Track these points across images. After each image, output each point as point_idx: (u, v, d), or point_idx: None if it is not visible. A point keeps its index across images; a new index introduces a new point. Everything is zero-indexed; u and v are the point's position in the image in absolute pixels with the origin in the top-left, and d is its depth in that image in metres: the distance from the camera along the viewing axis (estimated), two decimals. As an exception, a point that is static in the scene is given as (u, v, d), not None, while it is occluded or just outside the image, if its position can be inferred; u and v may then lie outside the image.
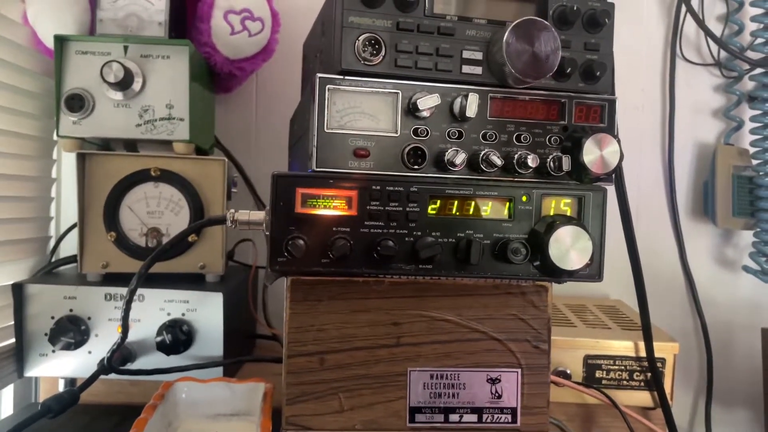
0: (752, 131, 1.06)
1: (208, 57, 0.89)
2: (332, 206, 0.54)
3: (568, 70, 0.58)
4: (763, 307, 1.12)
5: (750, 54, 1.06)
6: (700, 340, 1.11)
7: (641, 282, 0.81)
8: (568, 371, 0.85)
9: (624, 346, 0.85)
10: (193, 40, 0.86)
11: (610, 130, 0.60)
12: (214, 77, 0.96)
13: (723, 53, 1.10)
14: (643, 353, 0.84)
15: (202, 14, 0.88)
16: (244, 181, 1.02)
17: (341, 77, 0.55)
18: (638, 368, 0.85)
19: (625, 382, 0.85)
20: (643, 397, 0.85)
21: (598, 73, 0.59)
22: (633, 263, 0.80)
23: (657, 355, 0.83)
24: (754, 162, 1.06)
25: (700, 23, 1.06)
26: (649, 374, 0.84)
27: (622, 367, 0.85)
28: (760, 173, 1.04)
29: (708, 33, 1.06)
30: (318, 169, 0.55)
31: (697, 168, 1.13)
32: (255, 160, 1.07)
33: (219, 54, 0.89)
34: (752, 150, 1.07)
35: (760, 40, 1.03)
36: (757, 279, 1.04)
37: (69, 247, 0.96)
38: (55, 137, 0.96)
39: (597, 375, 0.85)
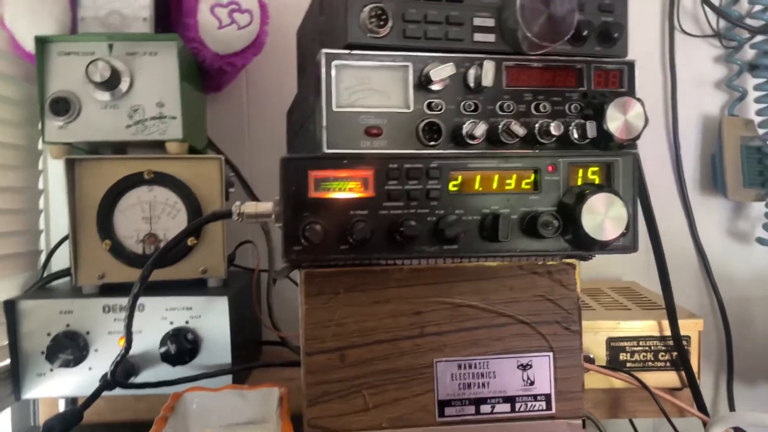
0: (757, 100, 1.03)
1: (196, 53, 0.86)
2: (348, 188, 0.50)
3: (584, 33, 0.55)
4: (779, 279, 1.10)
5: (749, 22, 1.04)
6: (717, 317, 1.08)
7: (662, 258, 0.78)
8: (591, 356, 0.81)
9: (647, 326, 0.82)
10: (180, 36, 0.82)
11: (632, 93, 0.57)
12: (204, 75, 0.92)
13: (722, 23, 1.08)
14: (666, 332, 0.81)
15: (187, 8, 0.84)
16: (240, 182, 0.98)
17: (348, 52, 0.52)
18: (663, 348, 0.82)
19: (650, 363, 0.82)
20: (670, 378, 0.82)
21: (615, 35, 0.56)
22: (653, 239, 0.77)
23: (681, 333, 0.80)
24: (761, 131, 1.04)
25: (697, -7, 1.04)
26: (674, 353, 0.81)
27: (647, 348, 0.82)
28: (768, 142, 1.02)
29: (706, 2, 1.04)
30: (329, 151, 0.51)
31: (703, 142, 1.11)
32: (249, 160, 1.04)
33: (208, 49, 0.85)
34: (758, 119, 1.05)
35: (758, 7, 1.01)
36: (773, 250, 1.02)
37: (61, 260, 0.92)
38: (40, 146, 0.93)
39: (621, 358, 0.82)
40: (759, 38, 1.03)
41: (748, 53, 1.08)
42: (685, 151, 1.10)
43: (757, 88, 1.04)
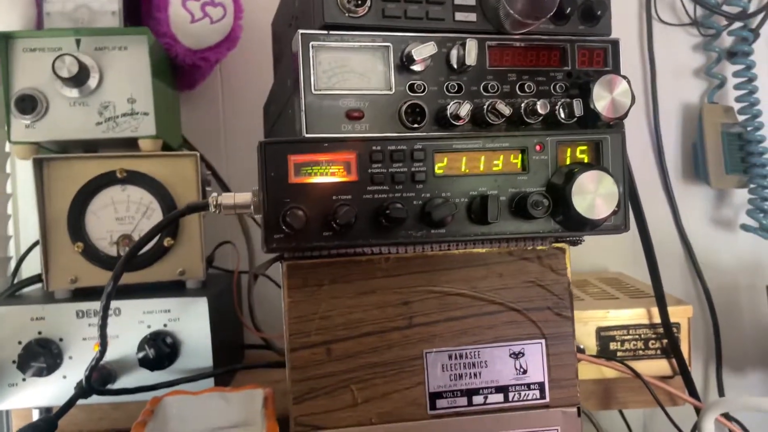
0: (736, 86, 1.04)
1: (168, 48, 0.83)
2: (330, 173, 0.48)
3: (567, 11, 0.54)
4: (764, 265, 1.10)
5: (726, 9, 1.04)
6: (703, 305, 1.08)
7: (649, 244, 0.77)
8: (582, 346, 0.80)
9: (636, 314, 0.81)
10: (151, 32, 0.80)
11: (616, 72, 0.56)
12: (177, 72, 0.90)
13: (699, 11, 1.08)
14: (656, 320, 0.80)
15: (158, 2, 0.82)
16: (217, 180, 0.96)
17: (325, 32, 0.50)
18: (653, 336, 0.81)
19: (641, 352, 0.81)
20: (661, 366, 0.81)
21: (598, 13, 0.55)
22: (639, 224, 0.75)
23: (671, 320, 0.79)
24: (741, 118, 1.04)
25: (674, -19, 1.04)
26: (664, 341, 0.80)
27: (637, 336, 0.81)
28: (749, 128, 1.02)
29: (682, -10, 1.04)
30: (309, 135, 0.49)
31: (684, 130, 1.10)
32: (226, 158, 1.01)
33: (180, 44, 0.83)
34: (738, 106, 1.05)
35: (735, -6, 1.02)
36: (757, 236, 1.02)
37: (32, 267, 0.88)
38: (7, 148, 0.89)
39: (612, 347, 0.81)
40: (736, 25, 1.04)
41: (726, 40, 1.08)
42: (667, 140, 1.10)
43: (736, 74, 1.04)
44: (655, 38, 1.09)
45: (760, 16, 1.04)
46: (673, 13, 1.10)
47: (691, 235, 1.09)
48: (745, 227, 1.05)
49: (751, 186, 1.02)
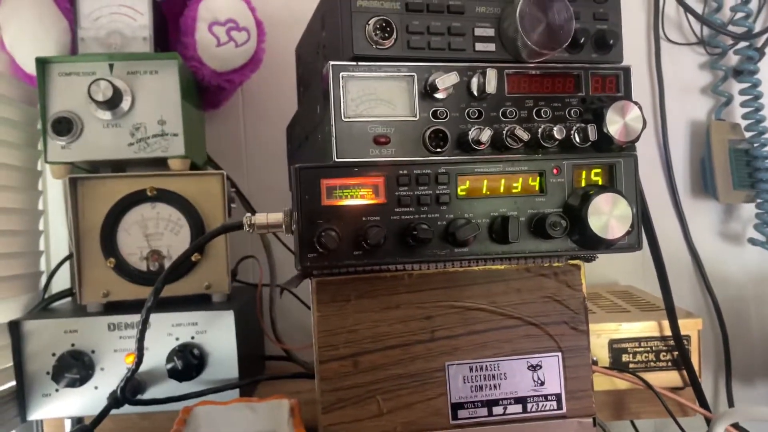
0: (742, 104, 1.06)
1: (195, 71, 0.87)
2: (359, 195, 0.51)
3: (581, 41, 0.57)
4: (772, 278, 1.12)
5: (732, 29, 1.07)
6: (713, 318, 1.10)
7: (660, 259, 0.79)
8: (595, 358, 0.82)
9: (647, 327, 0.83)
10: (179, 55, 0.83)
11: (628, 97, 0.59)
12: (202, 92, 0.94)
13: (705, 31, 1.11)
14: (666, 332, 0.82)
15: (185, 28, 0.85)
16: (240, 198, 0.99)
17: (354, 63, 0.53)
18: (664, 348, 0.83)
19: (652, 363, 0.83)
20: (672, 377, 0.84)
21: (611, 42, 0.58)
22: (650, 239, 0.78)
23: (681, 332, 0.81)
24: (748, 134, 1.07)
25: (681, 2, 1.06)
26: (675, 353, 0.82)
27: (648, 348, 0.83)
28: (755, 145, 1.04)
29: (689, 10, 1.06)
30: (339, 160, 0.52)
31: (692, 146, 1.13)
32: (247, 176, 1.04)
33: (206, 67, 0.86)
34: (744, 123, 1.07)
35: (740, 14, 1.05)
36: (765, 249, 1.04)
37: (61, 281, 0.92)
38: (39, 167, 0.93)
39: (624, 359, 0.83)
40: (742, 44, 1.06)
41: (733, 59, 1.11)
42: (675, 156, 1.12)
43: (742, 92, 1.06)
44: (663, 57, 1.12)
45: (765, 36, 1.06)
46: (680, 32, 1.13)
47: (700, 249, 1.11)
48: (752, 241, 1.07)
49: (758, 201, 1.05)
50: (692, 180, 1.13)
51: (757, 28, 1.08)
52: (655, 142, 1.12)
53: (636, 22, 1.12)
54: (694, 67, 1.14)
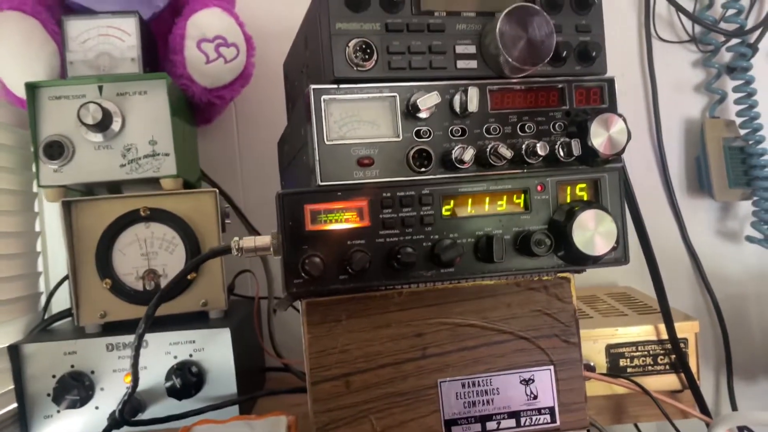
0: (736, 101, 1.06)
1: (185, 89, 0.87)
2: (344, 219, 0.52)
3: (563, 54, 0.57)
4: (771, 275, 1.12)
5: (723, 26, 1.06)
6: (712, 316, 1.09)
7: (655, 266, 0.79)
8: (592, 363, 0.82)
9: (644, 331, 0.83)
10: (169, 73, 0.84)
11: (613, 109, 0.59)
12: (194, 109, 0.94)
13: (697, 28, 1.10)
14: (664, 336, 0.82)
15: (174, 46, 0.85)
16: (236, 212, 1.00)
17: (335, 86, 0.53)
18: (661, 351, 0.83)
19: (650, 368, 0.83)
20: (670, 381, 0.84)
21: (593, 54, 0.58)
22: (644, 247, 0.78)
23: (678, 335, 0.81)
24: (742, 132, 1.06)
25: (671, 0, 1.06)
26: (673, 356, 0.82)
27: (645, 353, 0.83)
28: (750, 142, 1.04)
29: (680, 9, 1.06)
30: (323, 183, 0.52)
31: (687, 145, 1.13)
32: (243, 190, 1.05)
33: (196, 84, 0.87)
34: (739, 120, 1.07)
35: (731, 11, 1.04)
36: (762, 247, 1.04)
37: (61, 301, 0.92)
38: (35, 189, 0.93)
39: (621, 364, 0.83)
40: (734, 41, 1.06)
41: (725, 56, 1.11)
42: (670, 154, 1.12)
43: (735, 89, 1.06)
44: (655, 55, 1.11)
45: (757, 32, 1.06)
46: (671, 30, 1.13)
47: (697, 248, 1.11)
48: (749, 238, 1.07)
49: (755, 198, 1.04)
50: (688, 178, 1.13)
51: (749, 24, 1.07)
52: (650, 141, 1.12)
53: (627, 22, 1.12)
54: (686, 65, 1.13)
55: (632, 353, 0.83)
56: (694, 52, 1.13)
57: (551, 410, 0.59)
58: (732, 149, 1.06)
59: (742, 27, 1.04)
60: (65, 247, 0.78)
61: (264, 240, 0.56)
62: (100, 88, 0.79)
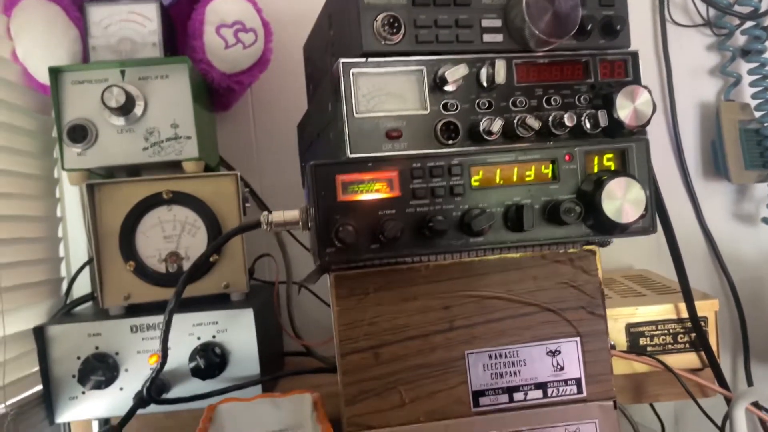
0: (751, 84, 1.06)
1: (204, 74, 0.87)
2: (374, 190, 0.52)
3: (588, 27, 0.58)
4: (787, 256, 1.12)
5: (738, 8, 1.06)
6: (729, 298, 1.10)
7: (674, 242, 0.79)
8: (612, 342, 0.83)
9: (664, 310, 0.83)
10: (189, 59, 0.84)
11: (637, 82, 0.59)
12: (212, 95, 0.94)
13: (711, 11, 1.11)
14: (683, 315, 0.82)
15: (193, 31, 0.86)
16: (253, 196, 1.00)
17: (364, 60, 0.54)
18: (681, 330, 0.83)
19: (670, 346, 0.83)
20: (690, 359, 0.84)
21: (618, 27, 0.58)
22: (663, 223, 0.78)
23: (698, 314, 0.81)
24: (758, 114, 1.06)
25: (685, -16, 1.06)
26: (693, 335, 0.83)
27: (665, 331, 0.84)
28: (765, 124, 1.04)
29: (694, -8, 1.06)
30: (353, 155, 0.53)
31: (702, 128, 1.13)
32: (259, 175, 1.05)
33: (215, 70, 0.87)
34: (754, 103, 1.07)
35: (746, -6, 1.04)
36: (779, 229, 1.04)
37: (82, 286, 0.93)
38: (56, 174, 0.94)
39: (641, 342, 0.83)
40: (749, 24, 1.06)
41: (740, 39, 1.11)
42: (686, 138, 1.12)
43: (750, 72, 1.06)
44: (670, 39, 1.11)
45: (772, 15, 1.06)
46: (685, 14, 1.13)
47: (714, 230, 1.11)
48: (766, 220, 1.07)
49: (771, 180, 1.05)
50: (704, 162, 1.13)
51: (764, 7, 1.07)
52: (665, 125, 1.12)
53: (641, 6, 1.12)
54: (701, 48, 1.13)
55: (652, 332, 0.83)
56: (709, 35, 1.13)
57: (578, 381, 0.60)
58: (747, 131, 1.06)
59: (757, 10, 1.04)
60: (88, 230, 0.79)
61: (293, 214, 0.57)
62: (123, 73, 0.80)
